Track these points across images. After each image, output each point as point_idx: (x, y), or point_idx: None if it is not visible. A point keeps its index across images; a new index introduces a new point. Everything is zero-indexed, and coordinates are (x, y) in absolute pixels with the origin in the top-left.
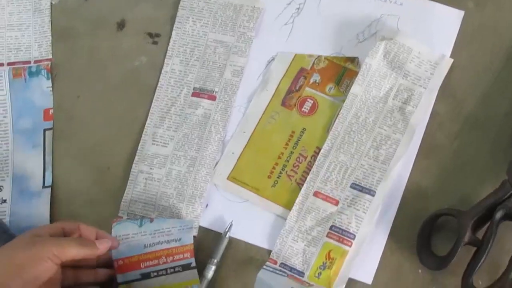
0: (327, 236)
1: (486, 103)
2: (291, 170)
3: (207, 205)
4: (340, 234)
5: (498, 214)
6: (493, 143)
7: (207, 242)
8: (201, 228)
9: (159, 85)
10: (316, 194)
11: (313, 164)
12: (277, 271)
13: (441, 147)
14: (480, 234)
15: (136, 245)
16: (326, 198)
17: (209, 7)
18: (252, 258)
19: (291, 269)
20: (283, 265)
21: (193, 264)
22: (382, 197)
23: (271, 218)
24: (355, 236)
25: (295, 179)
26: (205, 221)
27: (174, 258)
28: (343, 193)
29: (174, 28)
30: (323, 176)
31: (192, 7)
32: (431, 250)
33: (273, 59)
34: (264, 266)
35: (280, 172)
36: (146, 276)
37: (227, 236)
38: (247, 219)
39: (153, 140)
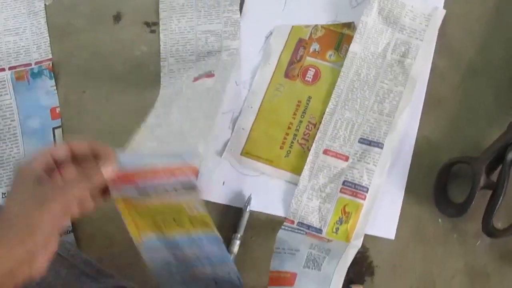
0: (340, 191)
1: (482, 51)
2: (302, 138)
3: (224, 182)
4: (353, 189)
5: (510, 155)
6: (495, 88)
7: (229, 218)
8: (220, 205)
9: (162, 85)
10: (325, 152)
11: (322, 130)
12: (295, 230)
13: (446, 98)
14: (494, 177)
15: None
16: (336, 155)
17: (189, 2)
18: (274, 229)
19: (309, 227)
20: (301, 224)
21: (196, 185)
22: (390, 148)
23: (287, 187)
24: (368, 189)
25: (307, 147)
26: (224, 198)
27: (175, 176)
28: (352, 148)
29: (160, 31)
30: (331, 134)
31: (172, 6)
32: (449, 199)
33: (271, 33)
34: (282, 226)
35: (292, 142)
36: (143, 192)
37: (247, 210)
38: (265, 191)
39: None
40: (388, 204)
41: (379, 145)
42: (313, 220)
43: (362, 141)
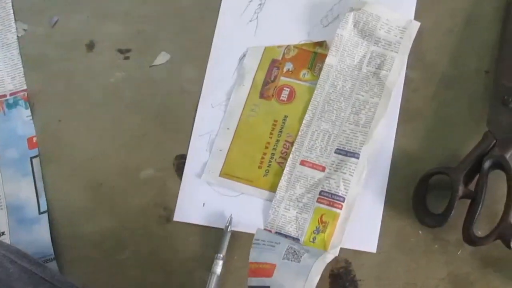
0: (317, 201)
1: (455, 62)
2: (280, 157)
3: (204, 204)
4: (330, 198)
5: (486, 164)
6: (469, 98)
7: (210, 239)
8: (201, 227)
9: None
10: (302, 162)
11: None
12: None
13: (421, 110)
14: (472, 186)
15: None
16: (313, 166)
17: None
18: None
19: (286, 236)
20: (278, 233)
21: None
22: (366, 158)
23: (268, 206)
24: (344, 198)
25: (285, 165)
26: (205, 220)
27: None
28: (329, 159)
29: None
30: (308, 145)
31: None
32: (428, 210)
33: (244, 55)
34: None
35: (270, 161)
36: None
37: (229, 230)
38: (245, 211)
39: None
40: (368, 217)
41: (355, 155)
42: (291, 229)
43: (339, 151)
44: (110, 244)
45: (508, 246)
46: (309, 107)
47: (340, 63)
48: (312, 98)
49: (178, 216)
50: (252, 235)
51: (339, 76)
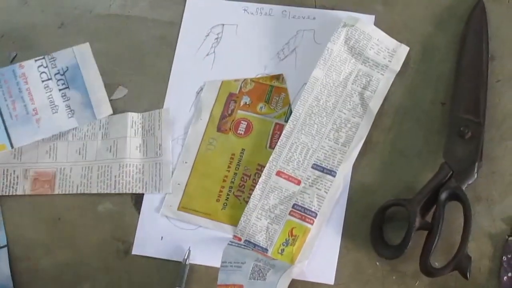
0: (289, 214)
1: (411, 94)
2: (238, 190)
3: (162, 237)
4: (303, 213)
5: (443, 196)
6: (425, 130)
7: (169, 272)
8: (159, 260)
9: None
10: (278, 173)
11: (257, 182)
12: (242, 246)
13: (377, 142)
14: (429, 218)
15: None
16: (289, 178)
17: None
18: (215, 279)
19: (255, 245)
20: (247, 242)
21: None
22: (343, 177)
23: (226, 239)
24: (317, 214)
25: (243, 198)
26: (163, 253)
27: None
28: (305, 173)
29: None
30: (286, 156)
31: None
32: (385, 241)
33: (201, 89)
34: (229, 242)
35: (228, 194)
36: None
37: (187, 263)
38: (204, 244)
39: None
40: (326, 249)
41: (332, 173)
42: (260, 239)
43: (316, 167)
44: (68, 278)
45: (465, 277)
46: (291, 118)
47: (326, 77)
48: (294, 110)
49: (136, 250)
50: (210, 268)
51: (324, 91)
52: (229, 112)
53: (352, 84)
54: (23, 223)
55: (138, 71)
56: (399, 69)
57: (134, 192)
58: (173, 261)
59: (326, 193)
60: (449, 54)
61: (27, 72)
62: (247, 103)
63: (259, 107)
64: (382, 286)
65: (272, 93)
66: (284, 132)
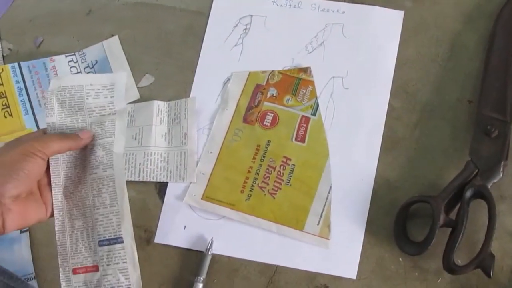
0: None
1: (438, 91)
2: (262, 182)
3: (185, 227)
4: None
5: (467, 194)
6: (451, 127)
7: (191, 262)
8: (182, 249)
9: None
10: (75, 271)
11: (283, 174)
12: None
13: (403, 138)
14: (453, 215)
15: None
16: (86, 270)
17: None
18: (236, 271)
19: None
20: None
21: None
22: (130, 238)
23: (249, 230)
24: (130, 287)
25: (268, 190)
26: (186, 242)
27: None
28: (97, 255)
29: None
30: (71, 251)
31: None
32: (409, 237)
33: (228, 79)
34: None
35: (252, 185)
36: None
37: (209, 253)
38: (226, 234)
39: None
40: (349, 244)
41: (119, 239)
42: None
43: (102, 243)
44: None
45: (488, 275)
46: (55, 211)
47: (63, 153)
48: (54, 200)
49: (159, 238)
50: (232, 258)
51: (70, 165)
52: (256, 103)
53: (93, 141)
54: None
55: (165, 60)
56: (124, 100)
57: (158, 180)
58: (195, 251)
59: (125, 262)
60: (477, 52)
61: (57, 65)
62: (274, 95)
63: (285, 99)
64: (404, 282)
65: (299, 86)
66: (56, 228)
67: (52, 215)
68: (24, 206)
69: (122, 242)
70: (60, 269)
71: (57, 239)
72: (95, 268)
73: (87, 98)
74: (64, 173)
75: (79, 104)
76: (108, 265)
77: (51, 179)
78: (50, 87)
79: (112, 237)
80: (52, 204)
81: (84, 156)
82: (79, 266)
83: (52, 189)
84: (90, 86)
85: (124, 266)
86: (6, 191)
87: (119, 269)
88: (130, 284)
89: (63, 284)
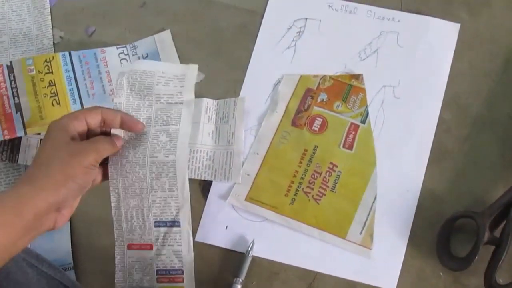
0: (158, 281)
1: (490, 106)
2: (307, 186)
3: (227, 227)
4: (168, 275)
5: None
6: (501, 144)
7: (231, 263)
8: (223, 249)
9: None
10: (129, 246)
11: (329, 180)
12: None
13: (451, 151)
14: (497, 233)
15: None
16: (140, 247)
17: None
18: (275, 274)
19: None
20: None
21: None
22: (187, 224)
23: (291, 234)
24: (182, 270)
25: (312, 195)
26: (227, 242)
27: None
28: (152, 235)
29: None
30: (126, 227)
31: None
32: (451, 252)
33: (279, 81)
34: None
35: (297, 190)
36: None
37: (250, 255)
38: (268, 237)
39: None
40: (390, 255)
41: (176, 223)
42: None
43: (158, 224)
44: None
45: None
46: (110, 188)
47: (125, 132)
48: (110, 177)
49: (199, 237)
50: (272, 262)
51: (127, 145)
52: (305, 107)
53: (155, 125)
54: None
55: (216, 57)
56: (193, 88)
57: (202, 178)
58: (235, 252)
59: (180, 246)
60: None
61: (107, 56)
62: (324, 100)
63: (335, 105)
64: None
65: (350, 92)
66: (112, 204)
67: (101, 181)
68: (77, 198)
69: (179, 226)
70: (116, 243)
71: (113, 214)
72: (149, 247)
73: (157, 84)
74: (121, 152)
75: (149, 89)
76: (162, 245)
77: (109, 157)
78: (122, 69)
79: (169, 220)
80: (103, 174)
81: (144, 139)
82: (134, 242)
83: (109, 166)
84: (161, 73)
85: (179, 249)
86: (64, 201)
87: (174, 251)
88: (182, 267)
89: (117, 258)
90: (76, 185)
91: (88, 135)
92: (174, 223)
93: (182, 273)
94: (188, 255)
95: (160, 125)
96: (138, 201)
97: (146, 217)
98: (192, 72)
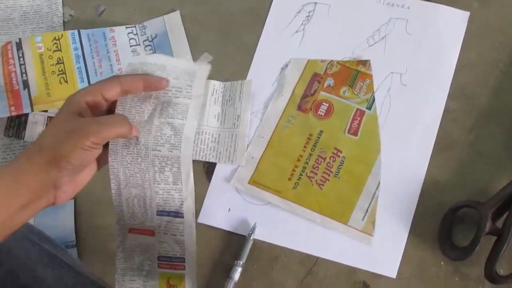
0: (159, 267)
1: (497, 97)
2: (311, 171)
3: (229, 209)
4: (170, 262)
5: None
6: (507, 135)
7: (232, 245)
8: (224, 231)
9: None
10: (131, 230)
11: (333, 165)
12: None
13: (457, 141)
14: (499, 223)
15: None
16: (142, 232)
17: None
18: (276, 258)
19: None
20: None
21: None
22: (191, 215)
23: (293, 219)
24: (184, 258)
25: (316, 180)
26: (228, 225)
27: None
28: (154, 222)
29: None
30: (127, 212)
31: None
32: (453, 242)
33: (286, 65)
34: None
35: (301, 174)
36: None
37: (251, 238)
38: (270, 221)
39: None
40: (392, 242)
41: (179, 214)
42: None
43: (160, 213)
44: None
45: None
46: (111, 176)
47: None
48: (110, 165)
49: (202, 218)
50: (273, 245)
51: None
52: (312, 92)
53: (159, 118)
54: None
55: (224, 40)
56: (203, 88)
57: (207, 160)
58: (238, 234)
59: (183, 236)
60: None
61: (116, 36)
62: (331, 85)
63: (342, 91)
64: (443, 286)
65: (356, 78)
66: (112, 191)
67: (100, 167)
68: (77, 175)
69: (183, 217)
70: (117, 225)
71: (113, 200)
72: (151, 233)
73: (166, 77)
74: (122, 142)
75: None
76: (165, 233)
77: (109, 144)
78: (132, 61)
79: (173, 210)
80: (102, 159)
81: (147, 130)
82: (135, 227)
83: (109, 156)
84: (172, 67)
85: (181, 239)
86: (59, 179)
87: (176, 240)
88: (184, 255)
89: (118, 239)
90: (70, 165)
91: (110, 107)
92: (177, 214)
93: (184, 261)
94: (190, 246)
95: (165, 118)
96: (140, 191)
97: (148, 206)
98: (204, 70)
